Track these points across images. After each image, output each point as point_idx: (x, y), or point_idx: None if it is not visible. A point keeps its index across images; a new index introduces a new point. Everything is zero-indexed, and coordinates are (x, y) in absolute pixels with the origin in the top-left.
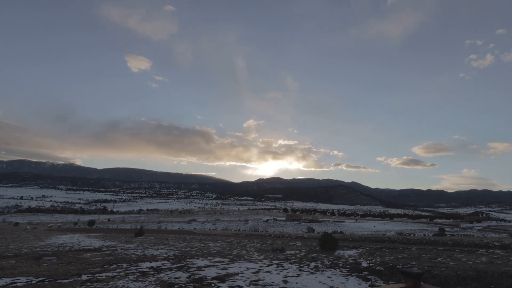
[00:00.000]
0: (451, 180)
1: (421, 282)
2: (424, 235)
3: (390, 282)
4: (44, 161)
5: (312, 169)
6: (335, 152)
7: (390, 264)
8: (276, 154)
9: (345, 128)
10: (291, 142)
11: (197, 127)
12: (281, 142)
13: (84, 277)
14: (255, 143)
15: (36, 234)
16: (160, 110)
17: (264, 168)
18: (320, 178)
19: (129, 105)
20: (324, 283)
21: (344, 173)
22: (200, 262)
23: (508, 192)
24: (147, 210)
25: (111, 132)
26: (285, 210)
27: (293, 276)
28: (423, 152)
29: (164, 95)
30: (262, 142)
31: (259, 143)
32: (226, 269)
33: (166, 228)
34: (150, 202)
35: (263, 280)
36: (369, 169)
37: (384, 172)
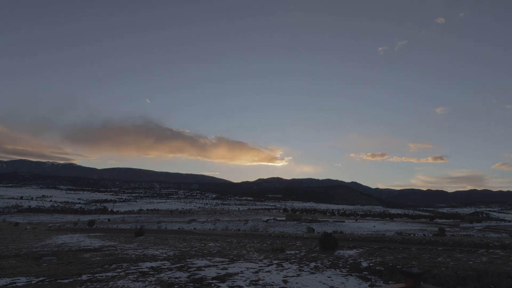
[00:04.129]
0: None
1: (421, 282)
2: (424, 235)
3: (390, 282)
4: (44, 161)
5: (310, 167)
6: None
7: (390, 264)
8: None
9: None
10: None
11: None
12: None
13: (84, 277)
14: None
15: (36, 234)
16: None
17: (260, 168)
18: (320, 178)
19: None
20: (324, 283)
21: (343, 171)
22: (200, 262)
23: (508, 192)
24: (147, 210)
25: (112, 131)
26: (285, 210)
27: (293, 276)
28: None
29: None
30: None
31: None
32: (226, 269)
33: (166, 228)
34: (150, 202)
35: (263, 280)
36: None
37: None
